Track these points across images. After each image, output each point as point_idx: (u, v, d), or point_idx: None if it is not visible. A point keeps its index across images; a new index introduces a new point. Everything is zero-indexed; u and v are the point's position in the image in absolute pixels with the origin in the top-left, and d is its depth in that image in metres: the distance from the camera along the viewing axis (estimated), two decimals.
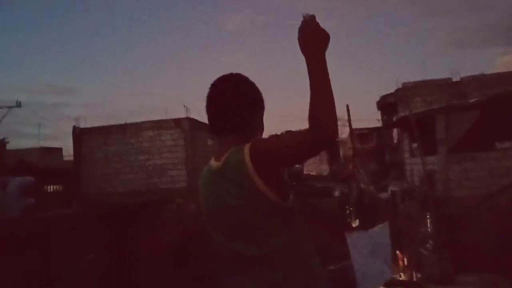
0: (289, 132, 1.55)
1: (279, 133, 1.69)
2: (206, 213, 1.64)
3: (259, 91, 1.63)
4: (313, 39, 1.35)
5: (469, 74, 13.69)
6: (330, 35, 1.38)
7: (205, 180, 1.65)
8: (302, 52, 1.36)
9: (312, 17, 1.37)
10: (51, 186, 13.84)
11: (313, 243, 1.60)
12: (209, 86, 1.63)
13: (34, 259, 5.94)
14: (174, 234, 8.36)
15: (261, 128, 1.65)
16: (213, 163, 1.59)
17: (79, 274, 6.26)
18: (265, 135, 1.67)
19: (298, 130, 1.44)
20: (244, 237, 1.48)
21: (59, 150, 22.22)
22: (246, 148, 1.43)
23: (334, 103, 1.32)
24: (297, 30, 1.38)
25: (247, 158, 1.41)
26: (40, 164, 16.29)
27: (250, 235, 1.47)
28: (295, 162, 1.60)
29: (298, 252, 1.50)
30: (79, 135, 15.23)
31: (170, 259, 7.49)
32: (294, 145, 1.38)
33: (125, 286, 6.81)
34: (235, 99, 1.56)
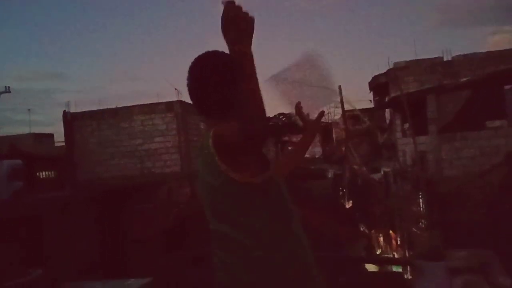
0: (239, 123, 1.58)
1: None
2: (199, 186, 1.70)
3: (237, 70, 1.54)
4: (234, 28, 1.31)
5: (460, 53, 13.70)
6: (253, 21, 1.33)
7: (198, 159, 1.71)
8: (227, 44, 1.35)
9: (231, 3, 1.30)
10: (44, 172, 13.77)
11: (300, 224, 1.62)
12: (189, 68, 1.64)
13: (26, 243, 5.95)
14: (167, 216, 8.40)
15: (242, 106, 1.65)
16: (200, 143, 1.67)
17: (71, 257, 6.28)
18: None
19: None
20: (223, 216, 1.53)
21: (51, 136, 22.08)
22: (212, 132, 1.50)
23: (256, 92, 1.33)
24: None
25: (211, 143, 1.48)
26: (31, 150, 16.19)
27: (228, 214, 1.52)
28: (245, 150, 1.51)
29: (279, 232, 1.52)
30: (70, 120, 15.11)
31: (162, 242, 7.54)
32: (237, 132, 1.40)
33: (118, 268, 6.86)
34: (213, 77, 1.55)
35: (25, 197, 8.25)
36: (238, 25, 1.30)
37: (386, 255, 7.78)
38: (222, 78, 1.55)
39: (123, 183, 12.52)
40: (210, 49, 1.63)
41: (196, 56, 1.64)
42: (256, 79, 1.35)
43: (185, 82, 1.63)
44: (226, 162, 1.46)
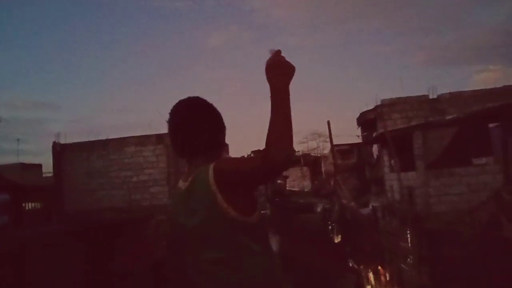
0: (251, 156, 1.64)
1: (246, 155, 1.76)
2: (174, 232, 1.70)
3: (219, 112, 1.72)
4: (278, 71, 1.43)
5: (447, 91, 14.04)
6: (295, 69, 1.46)
7: (174, 201, 1.73)
8: (268, 82, 1.44)
9: (278, 52, 1.48)
10: (30, 204, 13.59)
11: (279, 259, 1.67)
12: (169, 112, 1.71)
13: (8, 279, 5.80)
14: (155, 250, 8.29)
15: (224, 145, 1.75)
16: (181, 184, 1.66)
17: None
18: (247, 151, 1.73)
19: (258, 155, 1.53)
20: (208, 247, 1.55)
21: (39, 166, 21.90)
22: (210, 168, 1.51)
23: (291, 133, 1.39)
24: (270, 57, 1.46)
25: (211, 177, 1.49)
26: (19, 180, 16.01)
27: (214, 246, 1.54)
28: (253, 184, 1.64)
29: (260, 263, 1.56)
30: (60, 151, 15.06)
31: (151, 276, 7.42)
32: (251, 168, 1.47)
33: None
34: (199, 122, 1.65)
35: (7, 232, 8.08)
36: (282, 69, 1.44)
37: None
38: (210, 119, 1.68)
39: (110, 217, 12.36)
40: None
41: (196, 93, 1.72)
42: (290, 113, 1.43)
43: (167, 124, 1.70)
44: (227, 200, 1.48)
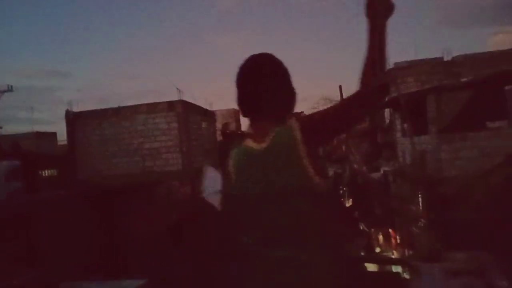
0: (324, 109, 1.63)
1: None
2: (243, 196, 1.55)
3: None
4: (375, 6, 1.43)
5: (461, 53, 13.73)
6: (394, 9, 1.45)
7: (243, 163, 1.58)
8: (367, 17, 1.45)
9: None
10: (46, 171, 13.85)
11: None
12: (243, 66, 1.60)
13: (21, 242, 5.96)
14: (166, 216, 8.45)
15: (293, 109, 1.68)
16: (252, 144, 1.56)
17: (67, 256, 6.27)
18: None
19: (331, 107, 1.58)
20: (287, 206, 1.47)
21: (53, 134, 22.17)
22: (293, 123, 1.50)
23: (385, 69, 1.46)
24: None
25: (297, 133, 1.46)
26: (34, 149, 16.28)
27: (293, 204, 1.47)
28: (339, 130, 1.69)
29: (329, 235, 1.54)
30: (73, 119, 15.19)
31: (160, 241, 7.58)
32: (336, 114, 1.50)
33: (115, 267, 6.88)
34: (283, 80, 1.58)
35: (22, 197, 8.26)
36: (383, 5, 1.43)
37: (385, 254, 7.81)
38: (289, 79, 1.60)
39: (122, 182, 12.56)
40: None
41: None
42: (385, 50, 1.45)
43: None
44: (310, 163, 1.44)
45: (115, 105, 15.36)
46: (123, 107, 15.17)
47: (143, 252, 7.11)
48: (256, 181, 1.50)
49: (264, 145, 1.51)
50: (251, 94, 1.56)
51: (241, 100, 1.60)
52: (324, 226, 1.52)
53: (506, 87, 10.75)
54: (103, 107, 15.38)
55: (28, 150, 14.06)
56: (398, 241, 7.99)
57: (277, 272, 1.45)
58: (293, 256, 1.45)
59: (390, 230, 8.70)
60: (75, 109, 15.44)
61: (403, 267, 5.62)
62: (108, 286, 3.97)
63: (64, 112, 15.22)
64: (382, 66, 1.43)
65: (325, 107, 1.61)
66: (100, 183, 12.81)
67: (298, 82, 1.62)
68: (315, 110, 1.66)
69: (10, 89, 16.14)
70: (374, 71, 1.41)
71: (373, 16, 1.43)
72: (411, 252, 6.75)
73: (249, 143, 1.57)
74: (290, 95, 1.59)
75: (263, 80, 1.54)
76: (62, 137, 17.70)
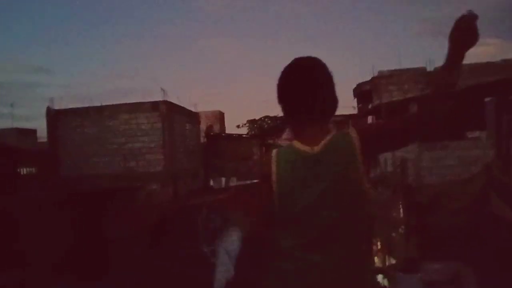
0: (384, 121, 1.67)
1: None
2: (291, 197, 1.52)
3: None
4: (465, 37, 1.40)
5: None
6: (478, 39, 1.43)
7: (294, 166, 1.54)
8: (450, 42, 1.42)
9: (475, 17, 1.41)
10: (25, 169, 13.61)
11: None
12: (295, 68, 1.59)
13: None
14: (144, 219, 8.41)
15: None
16: (306, 148, 1.53)
17: (45, 258, 6.18)
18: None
19: (393, 119, 1.60)
20: (338, 210, 1.47)
21: (34, 131, 21.83)
22: (353, 131, 1.50)
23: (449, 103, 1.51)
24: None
25: (357, 145, 1.46)
26: (14, 145, 15.97)
27: (345, 208, 1.47)
28: (395, 146, 1.74)
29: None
30: (54, 116, 14.99)
31: (143, 240, 7.54)
32: (396, 130, 1.51)
33: (96, 267, 6.81)
34: (332, 83, 1.59)
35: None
36: (469, 35, 1.40)
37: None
38: (332, 85, 1.60)
39: (104, 183, 12.40)
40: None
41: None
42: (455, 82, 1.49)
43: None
44: (363, 171, 1.47)
45: (98, 104, 15.22)
46: (106, 105, 15.02)
47: (123, 253, 7.05)
48: (309, 184, 1.49)
49: (317, 148, 1.51)
50: (307, 97, 1.54)
51: (292, 101, 1.59)
52: (370, 234, 1.59)
53: (486, 99, 10.98)
54: (85, 105, 15.21)
55: (8, 146, 13.80)
56: (379, 247, 8.06)
57: (321, 277, 1.46)
58: (337, 262, 1.46)
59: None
60: (57, 106, 15.25)
61: (383, 276, 5.70)
62: None
63: (45, 109, 15.02)
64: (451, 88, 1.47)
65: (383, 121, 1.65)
66: (80, 183, 12.65)
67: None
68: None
69: None
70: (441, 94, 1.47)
71: (456, 41, 1.40)
72: (391, 259, 6.83)
73: (298, 145, 1.55)
74: (336, 100, 1.61)
75: (319, 84, 1.55)
76: (43, 134, 17.44)
